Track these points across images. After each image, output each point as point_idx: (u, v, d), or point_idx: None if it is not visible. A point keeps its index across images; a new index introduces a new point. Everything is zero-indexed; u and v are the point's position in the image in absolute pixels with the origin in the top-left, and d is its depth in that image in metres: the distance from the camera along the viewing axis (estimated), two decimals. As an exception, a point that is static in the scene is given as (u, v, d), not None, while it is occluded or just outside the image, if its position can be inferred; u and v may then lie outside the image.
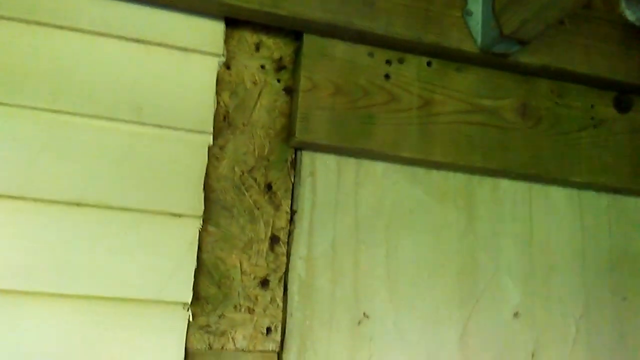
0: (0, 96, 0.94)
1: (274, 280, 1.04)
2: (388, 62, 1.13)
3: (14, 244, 0.92)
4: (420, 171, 1.16)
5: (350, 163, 1.13)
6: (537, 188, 1.22)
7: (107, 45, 1.01)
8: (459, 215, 1.17)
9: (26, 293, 0.91)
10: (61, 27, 0.98)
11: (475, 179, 1.19)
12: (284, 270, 1.05)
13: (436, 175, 1.17)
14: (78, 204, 0.95)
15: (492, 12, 1.08)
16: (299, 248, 1.07)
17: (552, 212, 1.22)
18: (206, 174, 1.03)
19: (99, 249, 0.95)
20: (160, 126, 1.01)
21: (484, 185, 1.20)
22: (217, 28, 1.06)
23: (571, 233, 1.23)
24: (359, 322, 1.08)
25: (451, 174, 1.18)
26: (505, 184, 1.21)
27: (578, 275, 1.21)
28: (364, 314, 1.09)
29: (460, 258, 1.15)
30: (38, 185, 0.94)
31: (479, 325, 1.13)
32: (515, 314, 1.16)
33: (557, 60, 1.15)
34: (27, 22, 0.97)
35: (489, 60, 1.14)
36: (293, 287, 1.06)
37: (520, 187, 1.22)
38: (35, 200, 0.93)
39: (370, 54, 1.12)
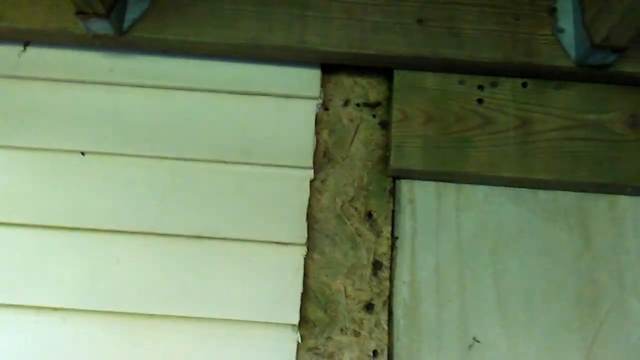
0: (135, 149, 1.12)
1: (378, 305, 1.07)
2: (480, 87, 1.15)
3: (148, 273, 1.07)
4: (524, 192, 1.14)
5: (449, 188, 1.14)
6: (662, 203, 1.13)
7: (219, 100, 1.16)
8: (573, 235, 1.12)
9: (158, 316, 1.05)
10: (182, 89, 1.16)
11: (589, 196, 1.14)
12: (387, 294, 1.08)
13: (543, 195, 1.14)
14: (199, 237, 1.08)
15: (583, 25, 1.07)
16: (402, 273, 1.10)
17: (684, 228, 1.12)
18: (309, 205, 1.11)
19: (216, 276, 1.06)
20: (266, 165, 1.12)
21: (600, 203, 1.13)
22: (313, 74, 1.17)
23: None
24: (470, 347, 1.06)
25: (560, 193, 1.14)
26: (623, 200, 1.13)
27: None
28: (474, 338, 1.06)
29: (578, 280, 1.09)
30: (166, 222, 1.09)
31: (604, 352, 1.05)
32: (649, 340, 1.06)
33: (665, 65, 1.09)
34: (156, 87, 1.16)
35: (589, 74, 1.11)
36: (398, 312, 1.08)
37: (642, 202, 1.14)
38: (164, 235, 1.08)
39: (461, 82, 1.15)
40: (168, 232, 1.09)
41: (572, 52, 1.10)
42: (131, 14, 1.11)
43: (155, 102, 1.16)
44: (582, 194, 1.14)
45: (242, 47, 1.13)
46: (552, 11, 1.12)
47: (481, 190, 1.14)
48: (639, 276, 1.09)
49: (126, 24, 1.11)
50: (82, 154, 1.13)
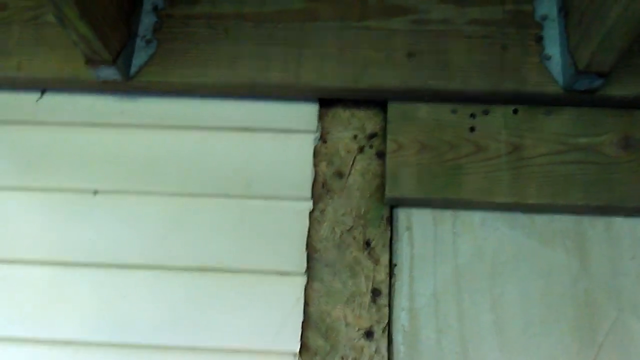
0: (143, 186, 1.18)
1: (378, 331, 1.10)
2: (472, 115, 1.18)
3: (155, 306, 1.11)
4: (520, 216, 1.16)
5: (445, 215, 1.17)
6: (660, 223, 1.14)
7: (221, 137, 1.22)
8: (570, 258, 1.13)
9: (166, 347, 1.09)
10: (186, 127, 1.22)
11: (585, 219, 1.15)
12: (387, 321, 1.10)
13: (539, 218, 1.16)
14: (202, 269, 1.13)
15: (568, 51, 1.10)
16: (401, 300, 1.12)
17: (683, 248, 1.12)
18: (309, 235, 1.15)
19: (220, 307, 1.10)
20: (266, 197, 1.17)
21: (596, 225, 1.15)
22: (311, 109, 1.22)
23: None
24: (469, 372, 1.07)
25: (556, 217, 1.15)
26: (619, 221, 1.14)
27: None
28: (474, 363, 1.08)
29: (576, 302, 1.10)
30: (170, 255, 1.14)
31: (605, 374, 1.05)
32: (651, 362, 1.06)
33: (653, 87, 1.11)
34: (162, 127, 1.22)
35: (578, 99, 1.14)
36: (398, 338, 1.10)
37: (639, 223, 1.14)
38: (169, 268, 1.13)
39: (454, 111, 1.18)
40: (174, 265, 1.14)
41: (560, 79, 1.12)
42: (138, 60, 1.19)
43: (162, 140, 1.22)
44: (578, 216, 1.15)
45: (242, 86, 1.19)
46: (539, 39, 1.15)
47: (477, 215, 1.17)
48: (638, 297, 1.09)
49: (133, 70, 1.18)
50: (94, 192, 1.20)
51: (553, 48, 1.15)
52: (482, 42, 1.17)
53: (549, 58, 1.14)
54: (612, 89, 1.12)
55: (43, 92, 1.27)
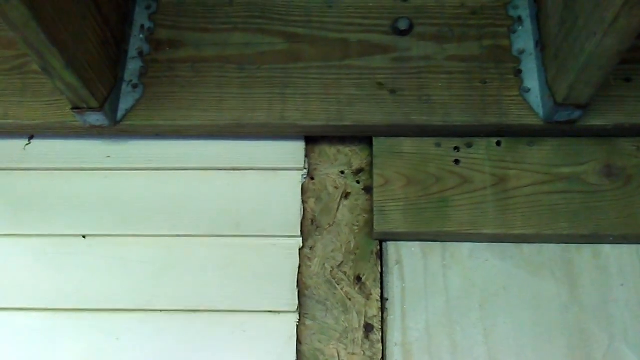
0: (132, 229, 1.19)
1: (371, 368, 1.10)
2: (456, 148, 1.20)
3: (147, 349, 1.10)
4: (509, 246, 1.17)
5: (435, 247, 1.18)
6: (646, 249, 1.15)
7: (210, 177, 1.23)
8: (559, 287, 1.13)
9: (158, 392, 1.08)
10: (174, 169, 1.23)
11: (572, 247, 1.16)
12: (380, 357, 1.10)
13: (527, 248, 1.17)
14: (194, 311, 1.13)
15: (546, 84, 1.12)
16: (394, 334, 1.12)
17: (670, 273, 1.13)
18: (300, 272, 1.15)
19: (212, 348, 1.10)
20: (255, 236, 1.17)
21: (584, 253, 1.16)
22: (297, 146, 1.24)
23: (699, 293, 1.12)
24: (465, 406, 1.07)
25: (544, 246, 1.17)
26: (607, 249, 1.16)
27: None
28: (468, 397, 1.07)
29: (567, 331, 1.10)
30: (160, 298, 1.14)
31: (600, 403, 1.05)
32: (646, 389, 1.06)
33: (631, 117, 1.13)
34: (150, 169, 1.23)
35: (559, 130, 1.16)
36: (392, 374, 1.10)
37: (626, 250, 1.15)
38: (159, 311, 1.13)
39: (438, 144, 1.20)
40: (164, 308, 1.13)
41: (540, 111, 1.15)
42: (124, 104, 1.20)
43: (149, 183, 1.23)
44: (566, 245, 1.16)
45: (228, 127, 1.20)
46: (518, 73, 1.18)
47: (466, 247, 1.17)
48: (629, 324, 1.10)
49: (120, 114, 1.19)
50: (83, 237, 1.19)
51: (532, 81, 1.17)
52: (462, 77, 1.19)
53: (528, 91, 1.17)
54: (592, 119, 1.14)
55: (31, 138, 1.28)
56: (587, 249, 1.16)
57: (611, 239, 1.14)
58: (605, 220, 1.13)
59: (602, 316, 1.11)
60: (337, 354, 1.10)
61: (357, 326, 1.12)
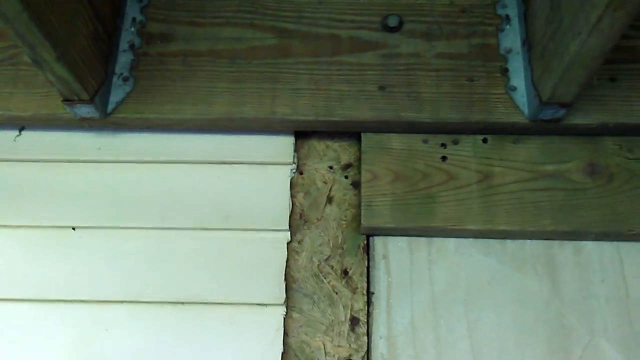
0: (122, 221, 1.20)
1: (356, 360, 1.12)
2: (443, 145, 1.22)
3: (136, 341, 1.12)
4: (493, 242, 1.19)
5: (421, 242, 1.20)
6: (627, 246, 1.17)
7: (200, 170, 1.24)
8: (541, 282, 1.16)
9: (146, 382, 1.10)
10: (164, 162, 1.24)
11: (555, 244, 1.19)
12: (365, 350, 1.12)
13: (511, 244, 1.19)
14: (183, 303, 1.14)
15: (532, 83, 1.14)
16: (379, 327, 1.14)
17: (650, 269, 1.16)
18: (287, 266, 1.17)
19: (200, 340, 1.11)
20: (244, 229, 1.19)
21: (565, 249, 1.18)
22: (287, 141, 1.25)
23: (677, 289, 1.14)
24: (447, 398, 1.09)
25: (527, 242, 1.19)
26: (588, 245, 1.18)
27: (695, 335, 1.11)
28: (451, 389, 1.10)
29: (548, 326, 1.13)
30: (150, 290, 1.15)
31: (579, 396, 1.08)
32: (623, 383, 1.09)
33: (614, 116, 1.16)
34: (140, 162, 1.24)
35: (544, 128, 1.18)
36: (377, 366, 1.12)
37: (607, 247, 1.18)
38: (148, 303, 1.14)
39: (425, 141, 1.22)
40: (153, 300, 1.14)
41: (525, 109, 1.17)
42: (115, 97, 1.21)
43: (140, 175, 1.24)
44: (549, 241, 1.19)
45: (218, 121, 1.21)
46: (504, 71, 1.20)
47: (452, 242, 1.20)
48: (608, 320, 1.13)
49: (110, 107, 1.20)
50: (73, 229, 1.20)
51: (518, 80, 1.19)
52: (450, 75, 1.21)
53: (514, 89, 1.19)
54: (577, 118, 1.16)
55: (22, 129, 1.28)
56: (569, 246, 1.18)
57: (593, 235, 1.17)
58: (587, 218, 1.16)
59: (582, 311, 1.14)
60: (323, 347, 1.12)
61: (343, 319, 1.14)
